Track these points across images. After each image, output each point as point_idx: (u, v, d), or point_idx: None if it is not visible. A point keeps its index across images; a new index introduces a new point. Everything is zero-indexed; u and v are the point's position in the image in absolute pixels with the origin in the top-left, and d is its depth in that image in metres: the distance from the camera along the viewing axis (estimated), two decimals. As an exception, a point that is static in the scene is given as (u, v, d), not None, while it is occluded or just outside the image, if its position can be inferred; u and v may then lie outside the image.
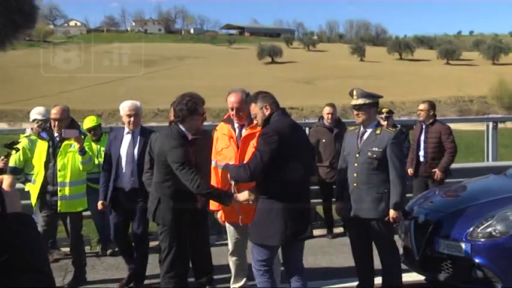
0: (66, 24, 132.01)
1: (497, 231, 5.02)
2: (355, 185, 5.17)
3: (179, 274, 5.08)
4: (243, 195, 4.69)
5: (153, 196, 5.04)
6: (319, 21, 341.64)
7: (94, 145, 6.76)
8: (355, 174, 5.18)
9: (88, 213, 6.61)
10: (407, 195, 7.78)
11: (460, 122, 19.43)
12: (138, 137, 5.74)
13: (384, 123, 8.07)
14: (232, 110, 5.04)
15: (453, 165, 8.04)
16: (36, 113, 6.91)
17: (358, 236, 5.36)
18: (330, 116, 7.82)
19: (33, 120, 6.90)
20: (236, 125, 5.13)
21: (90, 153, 6.09)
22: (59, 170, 5.67)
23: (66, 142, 5.71)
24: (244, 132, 5.05)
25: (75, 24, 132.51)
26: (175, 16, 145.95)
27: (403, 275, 5.28)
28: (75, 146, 5.69)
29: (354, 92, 5.19)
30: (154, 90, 59.69)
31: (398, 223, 5.53)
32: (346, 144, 5.45)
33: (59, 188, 5.67)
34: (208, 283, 5.72)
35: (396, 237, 5.97)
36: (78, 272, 5.98)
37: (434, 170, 7.60)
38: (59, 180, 5.68)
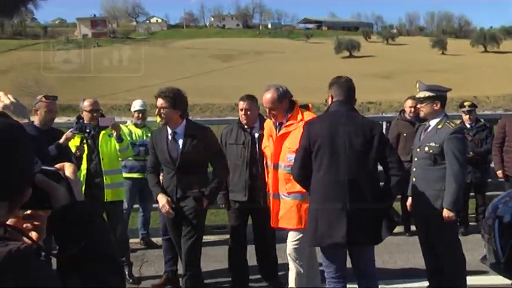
0: (147, 21, 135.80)
1: None
2: (414, 180, 5.05)
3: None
4: (161, 201, 5.00)
5: None
6: (398, 13, 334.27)
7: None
8: (414, 169, 5.05)
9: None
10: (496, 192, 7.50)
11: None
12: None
13: (466, 117, 7.78)
14: (266, 108, 4.89)
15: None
16: (138, 105, 7.31)
17: (421, 232, 5.20)
18: (412, 109, 7.59)
19: (135, 111, 7.28)
20: (277, 123, 4.92)
21: (128, 141, 6.17)
22: (103, 159, 5.70)
23: (104, 131, 5.74)
24: (280, 131, 4.84)
25: (156, 20, 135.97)
26: (253, 11, 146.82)
27: (487, 277, 5.04)
28: (113, 133, 5.72)
29: (417, 85, 5.06)
30: (233, 84, 60.27)
31: (456, 223, 5.24)
32: (415, 139, 5.35)
33: (104, 177, 5.69)
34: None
35: (479, 237, 5.72)
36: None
37: None
38: (104, 168, 5.70)
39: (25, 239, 1.26)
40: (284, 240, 6.28)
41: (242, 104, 5.50)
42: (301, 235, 4.75)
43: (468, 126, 7.77)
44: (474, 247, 6.17)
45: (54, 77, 68.88)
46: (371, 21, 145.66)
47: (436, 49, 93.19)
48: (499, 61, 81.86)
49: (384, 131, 8.77)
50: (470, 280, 5.35)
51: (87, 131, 5.56)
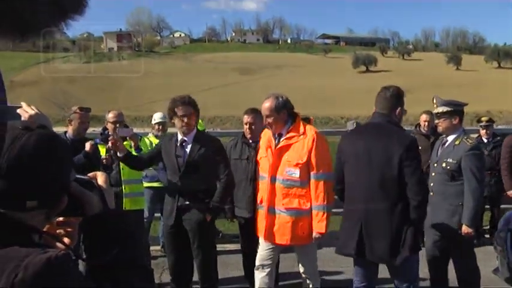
0: (171, 35, 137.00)
1: None
2: (431, 194, 4.88)
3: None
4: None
5: None
6: (414, 29, 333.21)
7: None
8: (431, 184, 4.92)
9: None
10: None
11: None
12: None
13: (483, 131, 7.70)
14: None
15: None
16: (158, 117, 7.38)
17: (433, 245, 5.07)
18: (426, 123, 7.56)
19: (156, 123, 7.34)
20: (276, 134, 4.60)
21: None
22: (123, 169, 5.68)
23: (125, 142, 5.67)
24: (280, 142, 4.55)
25: (180, 35, 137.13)
26: (273, 26, 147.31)
27: (499, 289, 4.96)
28: (132, 144, 5.73)
29: (434, 100, 4.94)
30: (252, 97, 60.47)
31: (474, 239, 5.13)
32: (432, 154, 5.23)
33: (123, 186, 5.69)
34: None
35: (491, 248, 5.65)
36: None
37: None
38: (123, 178, 5.68)
39: (58, 244, 1.28)
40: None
41: (246, 118, 5.32)
42: (310, 253, 4.64)
43: (485, 141, 7.67)
44: (487, 258, 6.09)
45: (81, 88, 69.71)
46: (388, 37, 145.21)
47: (451, 65, 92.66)
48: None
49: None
50: (483, 291, 5.30)
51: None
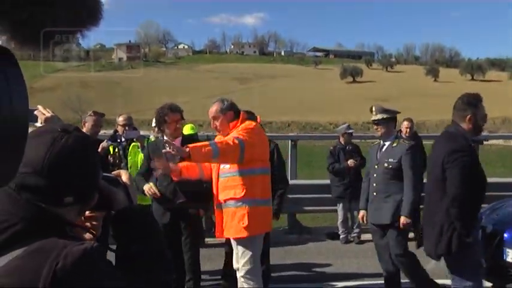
0: (175, 47, 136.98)
1: None
2: (375, 194, 4.99)
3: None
4: (146, 187, 4.74)
5: None
6: (397, 44, 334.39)
7: None
8: (374, 184, 5.00)
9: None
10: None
11: None
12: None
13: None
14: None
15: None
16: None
17: (380, 241, 5.11)
18: (408, 129, 7.63)
19: (154, 126, 7.25)
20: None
21: None
22: (130, 167, 5.63)
23: (133, 143, 5.73)
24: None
25: (183, 47, 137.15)
26: (269, 40, 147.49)
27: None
28: (138, 145, 5.71)
29: (373, 108, 5.03)
30: (250, 104, 60.40)
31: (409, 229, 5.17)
32: (369, 158, 5.35)
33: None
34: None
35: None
36: None
37: None
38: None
39: (86, 235, 1.32)
40: (275, 244, 6.08)
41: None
42: (250, 253, 4.16)
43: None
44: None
45: (93, 94, 69.58)
46: (373, 50, 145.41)
47: (429, 77, 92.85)
48: (483, 89, 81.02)
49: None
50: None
51: (119, 141, 5.65)
